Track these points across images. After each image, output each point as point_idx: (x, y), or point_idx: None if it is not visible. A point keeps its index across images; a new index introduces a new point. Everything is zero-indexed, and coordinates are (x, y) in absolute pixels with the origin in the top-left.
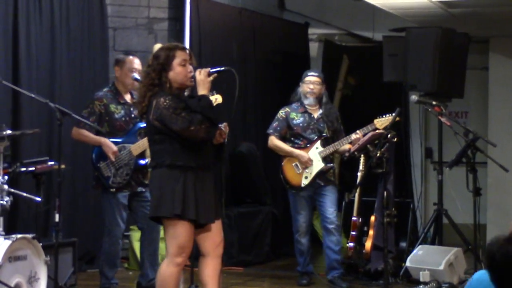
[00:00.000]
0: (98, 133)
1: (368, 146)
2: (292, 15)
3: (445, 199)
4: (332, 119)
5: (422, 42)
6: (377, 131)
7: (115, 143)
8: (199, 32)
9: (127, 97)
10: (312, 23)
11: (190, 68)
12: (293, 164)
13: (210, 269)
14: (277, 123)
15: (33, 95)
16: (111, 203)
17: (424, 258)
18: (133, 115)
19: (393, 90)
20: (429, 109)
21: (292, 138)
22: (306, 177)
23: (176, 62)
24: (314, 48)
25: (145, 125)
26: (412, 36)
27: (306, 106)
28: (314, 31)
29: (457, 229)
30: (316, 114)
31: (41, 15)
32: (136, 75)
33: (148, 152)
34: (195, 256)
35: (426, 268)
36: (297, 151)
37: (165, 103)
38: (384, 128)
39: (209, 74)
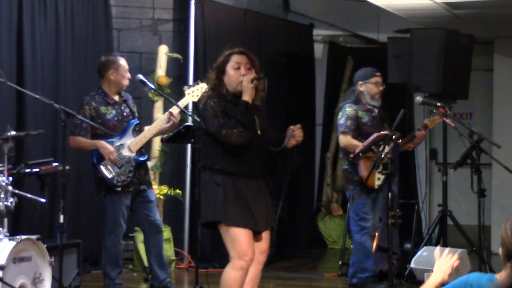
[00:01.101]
0: (93, 137)
1: (373, 147)
2: (297, 17)
3: (449, 200)
4: (387, 117)
5: (427, 43)
6: (381, 132)
7: (113, 142)
8: (203, 33)
9: (116, 97)
10: (317, 24)
11: (244, 72)
12: (368, 164)
13: (250, 274)
14: (350, 121)
15: (37, 96)
16: (114, 203)
17: (429, 259)
18: (125, 114)
19: (397, 92)
20: (434, 111)
21: (359, 138)
22: (378, 178)
23: (229, 66)
24: (319, 49)
25: (138, 122)
26: (417, 38)
27: (368, 106)
28: (318, 32)
29: (461, 230)
30: (375, 113)
31: (45, 16)
32: (141, 77)
33: (149, 150)
34: (200, 257)
35: (430, 269)
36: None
37: (209, 105)
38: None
39: (252, 80)
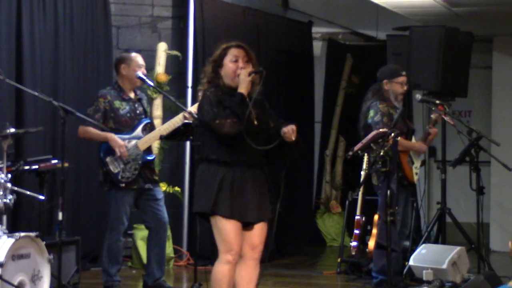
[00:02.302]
0: (103, 130)
1: (372, 145)
2: (296, 14)
3: (448, 198)
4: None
5: (426, 41)
6: (380, 129)
7: (122, 139)
8: (203, 31)
9: (131, 94)
10: (316, 22)
11: (242, 65)
12: (406, 160)
13: (244, 271)
14: (386, 117)
15: (36, 93)
16: (117, 199)
17: (427, 257)
18: (138, 111)
19: None
20: (433, 108)
21: None
22: (416, 173)
23: (227, 59)
24: (318, 47)
25: (149, 120)
26: (416, 35)
27: (393, 104)
28: (318, 30)
29: (460, 228)
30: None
31: (44, 14)
32: (140, 74)
33: (154, 148)
34: (199, 255)
35: (429, 267)
36: (418, 143)
37: (206, 94)
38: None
39: (249, 74)
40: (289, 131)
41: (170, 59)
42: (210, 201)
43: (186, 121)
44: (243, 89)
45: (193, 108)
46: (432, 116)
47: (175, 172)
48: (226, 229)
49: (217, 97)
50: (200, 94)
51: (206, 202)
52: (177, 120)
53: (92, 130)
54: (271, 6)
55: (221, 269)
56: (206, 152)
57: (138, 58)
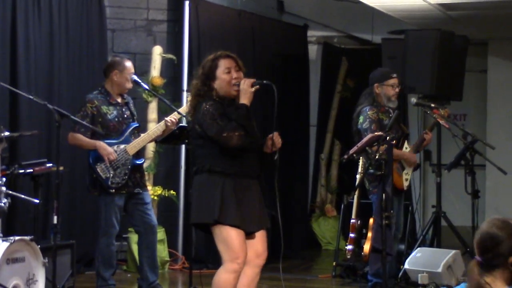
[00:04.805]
0: (93, 135)
1: (367, 148)
2: (291, 17)
3: (443, 202)
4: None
5: (421, 44)
6: (375, 133)
7: (111, 144)
8: (198, 34)
9: (118, 99)
10: (311, 25)
11: (235, 75)
12: (396, 167)
13: (246, 278)
14: (374, 124)
15: (31, 97)
16: (108, 204)
17: (423, 261)
18: (125, 116)
19: None
20: (428, 112)
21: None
22: (406, 179)
23: (219, 71)
24: (313, 51)
25: (137, 125)
26: (411, 39)
27: (385, 107)
28: (313, 33)
29: (455, 231)
30: (391, 114)
31: (39, 16)
32: (135, 77)
33: (144, 152)
34: (194, 258)
35: (424, 270)
36: (407, 153)
37: (205, 108)
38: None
39: (252, 85)
40: (275, 138)
41: (165, 62)
42: (215, 211)
43: (181, 125)
44: (246, 100)
45: (171, 117)
46: (427, 129)
47: (170, 176)
48: (232, 237)
49: (218, 109)
50: (189, 98)
51: (209, 213)
52: (161, 125)
53: (82, 137)
54: (266, 10)
55: (226, 277)
56: (208, 164)
57: (130, 65)
